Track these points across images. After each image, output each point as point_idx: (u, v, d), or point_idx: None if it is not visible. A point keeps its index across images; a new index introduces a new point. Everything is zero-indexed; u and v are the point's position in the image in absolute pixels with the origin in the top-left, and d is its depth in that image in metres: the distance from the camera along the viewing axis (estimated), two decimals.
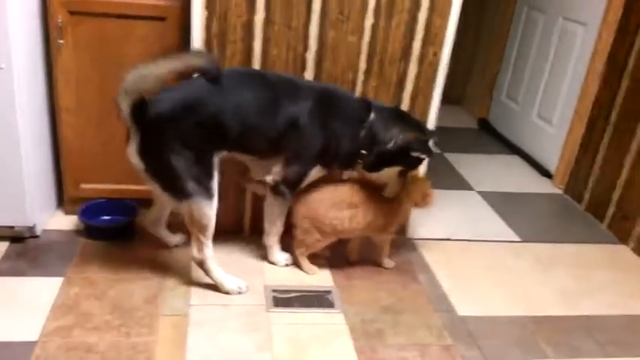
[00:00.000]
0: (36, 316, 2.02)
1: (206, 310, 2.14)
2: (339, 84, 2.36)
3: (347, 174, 2.41)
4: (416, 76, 2.40)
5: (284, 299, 2.24)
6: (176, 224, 2.43)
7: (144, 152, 2.04)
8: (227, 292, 2.22)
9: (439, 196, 3.18)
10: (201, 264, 2.21)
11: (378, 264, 2.50)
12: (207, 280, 2.26)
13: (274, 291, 2.28)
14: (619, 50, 3.05)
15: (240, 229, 2.60)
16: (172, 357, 1.91)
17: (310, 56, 2.31)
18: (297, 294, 2.28)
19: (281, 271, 2.41)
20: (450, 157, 3.77)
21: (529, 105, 3.93)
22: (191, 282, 2.28)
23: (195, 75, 2.06)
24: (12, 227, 2.38)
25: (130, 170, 2.54)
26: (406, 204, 2.37)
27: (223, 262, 2.27)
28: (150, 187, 2.18)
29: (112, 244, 2.46)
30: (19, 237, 2.40)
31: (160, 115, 2.00)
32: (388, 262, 2.50)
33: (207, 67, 2.03)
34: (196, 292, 2.23)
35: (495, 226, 3.01)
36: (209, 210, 2.12)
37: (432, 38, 2.34)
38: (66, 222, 2.58)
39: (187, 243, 2.32)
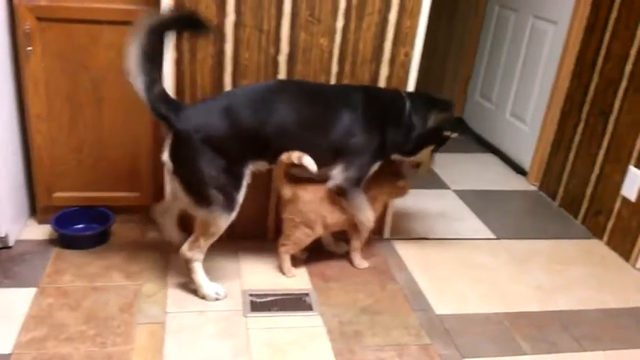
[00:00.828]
0: (9, 328, 1.99)
1: (183, 317, 2.12)
2: None
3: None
4: (388, 76, 2.41)
5: (261, 303, 2.23)
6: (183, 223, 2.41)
7: (175, 153, 2.04)
8: (204, 297, 2.21)
9: (416, 195, 3.21)
10: (188, 262, 2.19)
11: (351, 263, 2.52)
12: (184, 287, 2.25)
13: (251, 295, 2.27)
14: (588, 48, 3.09)
15: None
16: None
17: (282, 59, 2.31)
18: (275, 298, 2.27)
19: (259, 274, 2.40)
20: None
21: (503, 104, 3.97)
22: (167, 289, 2.26)
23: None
24: None
25: (103, 177, 2.54)
26: (381, 195, 2.42)
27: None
28: (172, 187, 2.18)
29: (87, 253, 2.43)
30: None
31: (195, 120, 2.01)
32: (361, 263, 2.51)
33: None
34: (173, 300, 2.21)
35: (471, 223, 3.03)
36: (224, 222, 2.12)
37: (403, 39, 2.35)
38: (39, 231, 2.55)
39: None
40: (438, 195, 3.32)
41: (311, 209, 2.30)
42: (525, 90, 3.71)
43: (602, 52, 2.98)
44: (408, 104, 2.27)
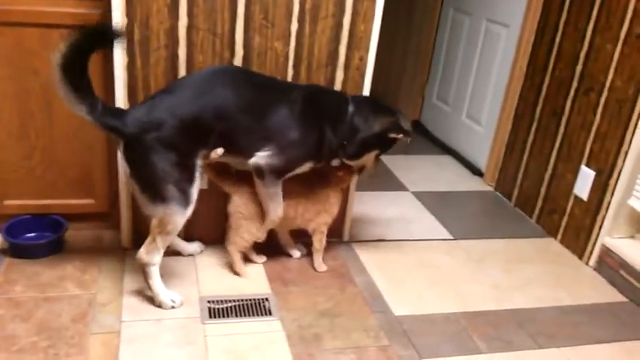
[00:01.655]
0: None
1: (138, 326, 2.08)
2: None
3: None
4: (343, 80, 2.41)
5: (219, 310, 2.21)
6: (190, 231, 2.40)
7: (129, 156, 2.06)
8: (159, 305, 2.17)
9: (374, 197, 3.24)
10: (145, 266, 2.16)
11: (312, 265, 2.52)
12: (140, 295, 2.21)
13: (209, 302, 2.24)
14: (540, 50, 3.16)
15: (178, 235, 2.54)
16: None
17: (237, 62, 2.30)
18: (234, 303, 2.25)
19: (217, 280, 2.38)
20: (385, 159, 3.77)
21: (459, 106, 4.02)
22: (122, 298, 2.22)
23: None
24: None
25: (54, 184, 2.48)
26: (332, 192, 2.44)
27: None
28: (131, 189, 2.17)
29: (39, 262, 2.37)
30: None
31: (140, 121, 2.01)
32: (320, 266, 2.51)
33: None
34: (128, 308, 2.17)
35: (428, 225, 3.06)
36: (181, 219, 2.12)
37: (358, 43, 2.36)
38: None
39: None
40: (396, 197, 3.35)
41: (255, 200, 2.30)
42: (480, 92, 3.77)
43: (554, 53, 3.04)
44: (351, 107, 2.27)
